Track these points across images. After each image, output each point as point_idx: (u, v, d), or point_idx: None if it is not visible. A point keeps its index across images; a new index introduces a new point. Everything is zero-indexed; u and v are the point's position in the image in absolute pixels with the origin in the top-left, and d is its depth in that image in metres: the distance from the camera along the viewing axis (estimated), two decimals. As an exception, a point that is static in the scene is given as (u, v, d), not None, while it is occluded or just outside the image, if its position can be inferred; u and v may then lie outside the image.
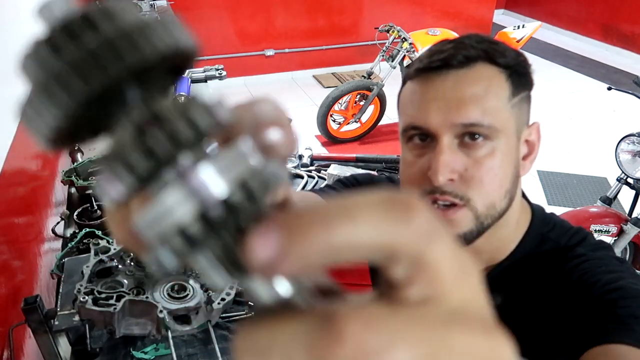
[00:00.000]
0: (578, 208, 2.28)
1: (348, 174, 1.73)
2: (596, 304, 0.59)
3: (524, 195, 0.72)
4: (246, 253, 0.17)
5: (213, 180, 0.17)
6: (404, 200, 0.17)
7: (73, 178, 1.50)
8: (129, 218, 0.19)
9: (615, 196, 2.27)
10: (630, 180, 2.21)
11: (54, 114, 0.18)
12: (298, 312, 0.16)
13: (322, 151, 3.81)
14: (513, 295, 0.67)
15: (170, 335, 1.00)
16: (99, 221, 1.39)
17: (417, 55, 3.84)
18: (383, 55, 3.90)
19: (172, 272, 0.16)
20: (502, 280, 0.68)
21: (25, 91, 0.19)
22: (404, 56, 3.86)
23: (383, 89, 3.83)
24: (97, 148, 1.84)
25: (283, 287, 0.17)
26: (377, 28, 4.00)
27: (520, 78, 0.62)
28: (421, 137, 0.63)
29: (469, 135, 0.60)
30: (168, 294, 1.06)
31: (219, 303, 1.04)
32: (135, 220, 0.18)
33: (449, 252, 0.17)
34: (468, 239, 0.63)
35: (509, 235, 0.68)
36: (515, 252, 0.69)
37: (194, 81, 2.46)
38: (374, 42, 4.04)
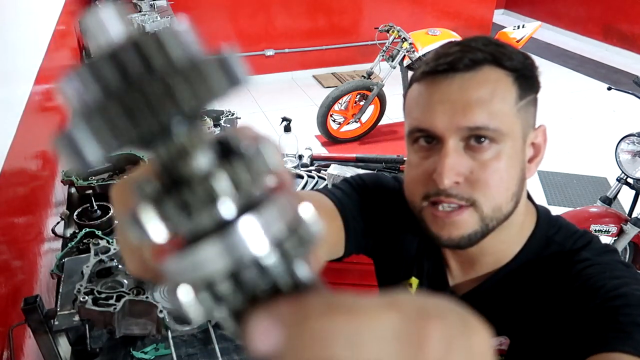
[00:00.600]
0: (578, 208, 2.28)
1: (349, 175, 1.73)
2: (599, 311, 0.58)
3: (529, 197, 0.71)
4: (246, 335, 0.16)
5: (255, 238, 0.17)
6: (421, 323, 0.16)
7: (73, 178, 1.50)
8: (151, 254, 0.19)
9: (615, 196, 2.27)
10: (630, 180, 2.21)
11: (95, 150, 0.17)
12: None
13: (322, 151, 3.81)
14: (517, 297, 0.67)
15: (170, 335, 1.00)
16: (99, 221, 1.39)
17: (417, 55, 3.84)
18: (383, 55, 3.90)
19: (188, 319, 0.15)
20: (506, 283, 0.68)
21: (67, 117, 0.18)
22: (404, 56, 3.86)
23: (383, 89, 3.83)
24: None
25: None
26: (377, 28, 4.00)
27: (527, 81, 0.61)
28: (427, 139, 0.63)
29: (474, 138, 0.59)
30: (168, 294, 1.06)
31: (219, 303, 1.04)
32: (166, 264, 0.18)
33: None
34: (472, 240, 0.63)
35: (514, 237, 0.68)
36: (520, 254, 0.68)
37: (194, 81, 2.46)
38: (374, 42, 4.04)
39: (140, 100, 0.17)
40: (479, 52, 0.60)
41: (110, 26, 0.18)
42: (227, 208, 0.17)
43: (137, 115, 0.17)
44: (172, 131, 0.18)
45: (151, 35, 0.17)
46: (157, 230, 0.17)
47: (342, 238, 0.72)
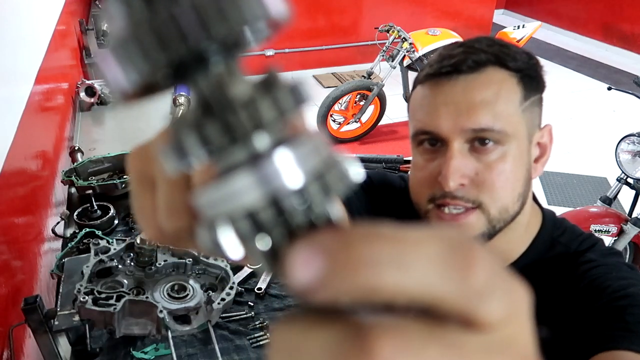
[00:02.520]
0: (578, 208, 2.28)
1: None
2: (605, 310, 0.58)
3: (534, 199, 0.71)
4: (287, 267, 0.16)
5: (290, 169, 0.17)
6: (465, 250, 0.16)
7: (73, 178, 1.50)
8: (177, 195, 0.20)
9: (615, 196, 2.27)
10: (630, 180, 2.21)
11: (142, 68, 0.17)
12: (336, 317, 0.16)
13: (322, 151, 3.80)
14: None
15: (170, 335, 1.00)
16: (99, 221, 1.39)
17: (417, 55, 3.84)
18: (383, 55, 3.90)
19: (226, 255, 0.15)
20: None
21: (112, 33, 0.18)
22: (404, 56, 3.86)
23: (383, 89, 3.83)
24: (96, 148, 1.84)
25: None
26: (377, 28, 4.00)
27: (531, 81, 0.61)
28: (431, 141, 0.63)
29: (479, 140, 0.59)
30: (168, 294, 1.06)
31: (219, 303, 1.04)
32: (197, 196, 0.17)
33: (502, 305, 0.16)
34: (485, 233, 0.63)
35: (519, 238, 0.67)
36: (525, 255, 0.68)
37: (194, 81, 2.46)
38: (374, 42, 4.04)
39: (170, 25, 0.16)
40: (482, 54, 0.59)
41: None
42: (268, 136, 0.17)
43: (167, 40, 0.16)
44: (208, 60, 0.18)
45: None
46: (198, 154, 0.17)
47: None
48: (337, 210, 0.18)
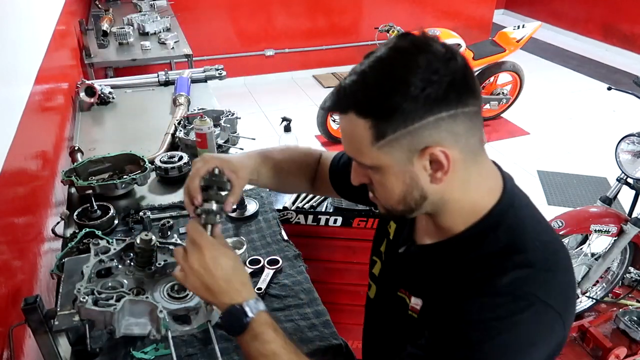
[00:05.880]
0: (578, 208, 2.28)
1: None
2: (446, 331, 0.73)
3: (509, 190, 0.79)
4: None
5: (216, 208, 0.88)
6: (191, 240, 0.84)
7: (73, 178, 1.50)
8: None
9: (615, 196, 2.27)
10: (630, 180, 2.21)
11: None
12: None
13: (322, 151, 3.80)
14: (437, 270, 0.81)
15: (170, 335, 1.00)
16: (99, 221, 1.39)
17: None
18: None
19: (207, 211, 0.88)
20: (435, 254, 0.83)
21: None
22: (404, 56, 3.86)
23: (383, 89, 3.83)
24: (96, 148, 1.84)
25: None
26: (377, 28, 4.00)
27: (387, 123, 0.69)
28: None
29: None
30: (168, 294, 1.06)
31: (219, 303, 1.04)
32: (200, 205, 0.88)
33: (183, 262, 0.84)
34: (389, 216, 0.92)
35: (451, 219, 0.79)
36: (458, 235, 0.79)
37: (194, 81, 2.46)
38: (374, 42, 4.04)
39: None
40: (346, 99, 0.72)
41: None
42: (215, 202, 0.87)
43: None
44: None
45: None
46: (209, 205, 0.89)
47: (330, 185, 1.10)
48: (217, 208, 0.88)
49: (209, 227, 0.86)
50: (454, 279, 0.76)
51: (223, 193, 0.89)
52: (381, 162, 0.73)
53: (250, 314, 0.78)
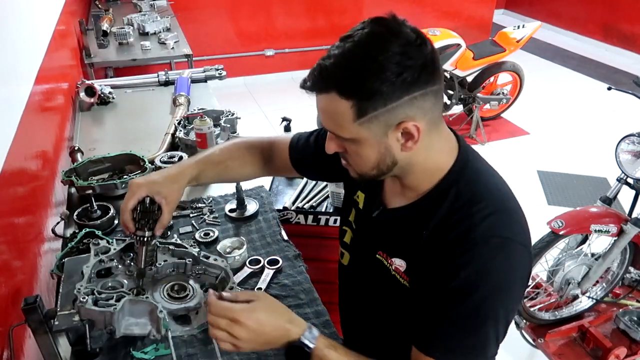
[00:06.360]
0: (578, 208, 2.28)
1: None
2: (443, 294, 0.82)
3: (465, 157, 0.89)
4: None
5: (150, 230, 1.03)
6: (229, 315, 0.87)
7: (73, 178, 1.50)
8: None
9: (615, 196, 2.27)
10: (630, 180, 2.20)
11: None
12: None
13: (322, 151, 3.79)
14: (414, 229, 0.89)
15: (170, 335, 1.00)
16: (99, 221, 1.39)
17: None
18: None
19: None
20: (409, 215, 0.91)
21: None
22: (404, 56, 3.85)
23: (383, 89, 3.82)
24: (96, 148, 1.84)
25: None
26: (377, 28, 3.99)
27: (367, 102, 0.77)
28: None
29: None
30: (168, 294, 1.06)
31: (219, 303, 1.04)
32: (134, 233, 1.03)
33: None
34: (361, 180, 0.92)
35: (419, 180, 0.89)
36: (429, 192, 0.89)
37: (194, 81, 2.46)
38: (374, 42, 4.04)
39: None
40: (327, 81, 0.79)
41: None
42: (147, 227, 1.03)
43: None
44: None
45: None
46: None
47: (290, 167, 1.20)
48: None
49: (144, 249, 1.03)
50: (432, 238, 0.86)
51: (154, 219, 1.02)
52: (360, 135, 0.81)
53: (310, 345, 0.86)
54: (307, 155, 1.17)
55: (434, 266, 0.84)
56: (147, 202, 1.00)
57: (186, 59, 3.14)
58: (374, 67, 0.75)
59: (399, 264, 0.93)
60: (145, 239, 1.02)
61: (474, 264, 0.80)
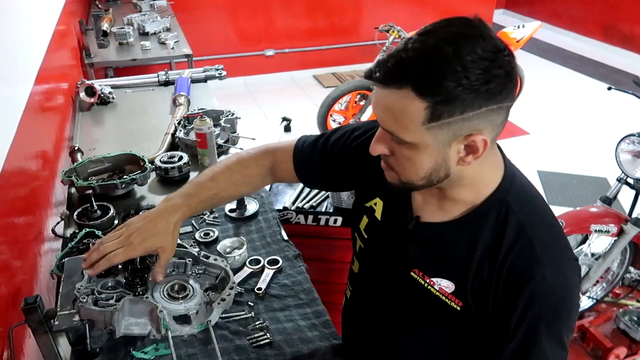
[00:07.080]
0: (578, 208, 2.28)
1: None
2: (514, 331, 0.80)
3: (509, 173, 0.85)
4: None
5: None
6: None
7: (73, 178, 1.50)
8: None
9: (615, 196, 2.27)
10: (630, 180, 2.21)
11: None
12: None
13: (322, 151, 3.79)
14: (463, 249, 0.84)
15: (170, 335, 1.00)
16: (99, 221, 1.39)
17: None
18: (383, 55, 3.89)
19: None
20: (456, 232, 0.86)
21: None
22: (404, 56, 3.85)
23: (383, 89, 3.82)
24: (96, 148, 1.84)
25: None
26: (377, 28, 4.00)
27: (445, 107, 0.70)
28: None
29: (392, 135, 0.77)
30: (168, 294, 1.06)
31: (218, 303, 1.04)
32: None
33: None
34: (400, 188, 0.85)
35: (466, 194, 0.84)
36: (479, 207, 0.84)
37: (194, 81, 2.46)
38: (374, 42, 4.04)
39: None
40: (404, 75, 0.70)
41: None
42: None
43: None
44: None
45: None
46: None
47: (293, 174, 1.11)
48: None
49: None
50: (485, 260, 0.81)
51: (146, 274, 1.04)
52: (422, 140, 0.74)
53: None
54: (313, 167, 1.08)
55: (498, 296, 0.81)
56: (138, 261, 1.02)
57: (186, 59, 3.14)
58: (459, 70, 0.67)
59: (445, 285, 0.87)
60: (138, 293, 1.02)
61: (550, 286, 0.79)
